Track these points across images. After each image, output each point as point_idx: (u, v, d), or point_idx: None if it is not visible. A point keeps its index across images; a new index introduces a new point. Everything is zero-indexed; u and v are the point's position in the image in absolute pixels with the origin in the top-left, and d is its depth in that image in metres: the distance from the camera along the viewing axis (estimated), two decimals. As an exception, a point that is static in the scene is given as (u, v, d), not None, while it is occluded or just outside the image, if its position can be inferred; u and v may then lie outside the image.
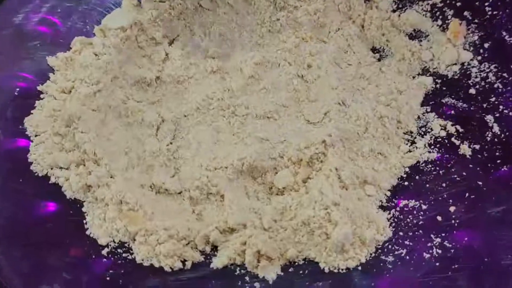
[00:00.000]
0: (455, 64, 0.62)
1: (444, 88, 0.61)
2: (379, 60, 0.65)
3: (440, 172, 0.56)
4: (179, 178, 0.57)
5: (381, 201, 0.55)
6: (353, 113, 0.58)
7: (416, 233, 0.52)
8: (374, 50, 0.66)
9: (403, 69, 0.63)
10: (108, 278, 0.50)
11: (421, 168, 0.56)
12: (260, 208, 0.55)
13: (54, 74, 0.62)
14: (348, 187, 0.54)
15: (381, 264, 0.50)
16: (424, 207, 0.53)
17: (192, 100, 0.61)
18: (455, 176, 0.55)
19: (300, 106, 0.60)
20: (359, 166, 0.56)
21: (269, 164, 0.56)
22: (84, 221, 0.54)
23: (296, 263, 0.52)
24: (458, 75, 0.62)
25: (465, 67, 0.62)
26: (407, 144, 0.58)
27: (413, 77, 0.63)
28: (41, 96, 0.60)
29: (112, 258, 0.51)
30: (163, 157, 0.58)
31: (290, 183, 0.56)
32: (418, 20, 0.65)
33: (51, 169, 0.56)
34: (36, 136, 0.57)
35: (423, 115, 0.60)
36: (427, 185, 0.55)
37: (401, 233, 0.52)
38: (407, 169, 0.57)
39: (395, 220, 0.53)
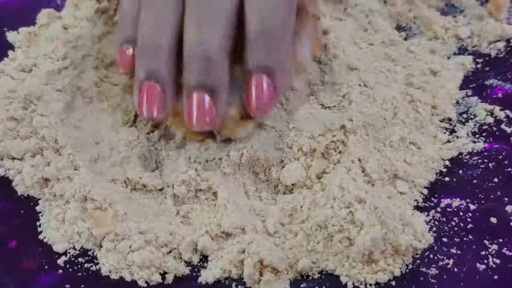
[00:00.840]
0: (499, 40, 0.52)
1: (487, 69, 0.51)
2: (405, 39, 0.54)
3: (490, 165, 0.44)
4: (160, 172, 0.45)
5: (416, 200, 0.43)
6: (378, 95, 0.47)
7: (465, 239, 0.40)
8: (399, 28, 0.55)
9: (436, 48, 0.53)
10: (62, 295, 0.38)
11: (464, 160, 0.45)
12: (264, 209, 0.43)
13: (13, 51, 0.52)
14: (374, 183, 0.43)
15: (421, 279, 0.39)
16: (472, 207, 0.42)
17: (180, 81, 0.50)
18: (510, 169, 0.44)
19: (312, 88, 0.49)
20: (387, 157, 0.45)
21: (274, 156, 0.45)
22: (38, 223, 0.42)
23: (310, 277, 0.40)
24: (504, 53, 0.52)
25: (511, 43, 0.52)
26: (445, 133, 0.47)
27: (448, 58, 0.52)
28: (-4, 76, 0.50)
29: (70, 270, 0.40)
30: (142, 147, 0.46)
31: (301, 178, 0.44)
32: (451, -7, 0.55)
33: (1, 159, 0.45)
34: (-15, 121, 0.47)
35: (463, 100, 0.49)
36: (474, 181, 0.44)
37: (445, 239, 0.41)
38: (447, 163, 0.46)
39: (436, 223, 0.42)
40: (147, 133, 0.47)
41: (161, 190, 0.44)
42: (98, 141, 0.47)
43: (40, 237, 0.41)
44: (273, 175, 0.45)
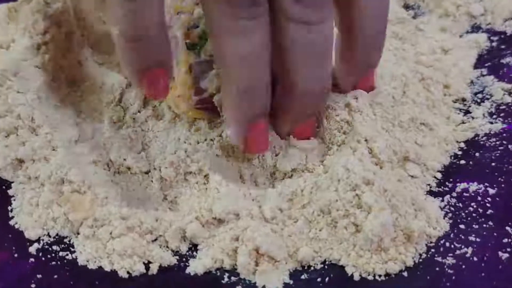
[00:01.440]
0: (515, 17, 0.48)
1: (503, 47, 0.47)
2: (413, 18, 0.50)
3: (509, 146, 0.41)
4: (147, 154, 0.41)
5: (429, 185, 0.40)
6: (385, 73, 0.43)
7: (485, 225, 0.36)
8: (406, 7, 0.51)
9: (447, 26, 0.49)
10: (33, 286, 0.34)
11: (481, 142, 0.41)
12: (260, 193, 0.39)
13: (-8, 28, 0.48)
14: (383, 165, 0.39)
15: (437, 269, 0.35)
16: (492, 191, 0.38)
17: (171, 60, 0.46)
18: (532, 150, 0.40)
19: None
20: (396, 138, 0.41)
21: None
22: (9, 208, 0.38)
23: (312, 267, 0.36)
24: (521, 30, 0.48)
25: (529, 20, 0.48)
26: (459, 113, 0.44)
27: (460, 36, 0.48)
28: (-30, 54, 0.46)
29: (43, 258, 0.36)
30: (127, 128, 0.42)
31: (302, 161, 0.40)
32: (462, -31, 0.51)
33: (-28, 139, 0.41)
34: (-42, 100, 0.43)
35: (478, 79, 0.46)
36: (493, 164, 0.40)
37: (462, 226, 0.37)
38: (462, 145, 0.42)
39: (452, 209, 0.38)
40: (133, 113, 0.43)
41: (147, 173, 0.40)
42: (80, 121, 0.43)
43: (11, 222, 0.37)
44: (268, 162, 0.40)
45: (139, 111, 0.43)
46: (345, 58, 0.40)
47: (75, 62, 0.46)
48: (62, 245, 0.36)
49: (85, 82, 0.45)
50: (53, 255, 0.36)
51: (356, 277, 0.34)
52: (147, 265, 0.35)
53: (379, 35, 0.39)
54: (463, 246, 0.35)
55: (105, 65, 0.47)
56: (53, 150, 0.40)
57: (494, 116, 0.42)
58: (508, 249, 0.34)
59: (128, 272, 0.35)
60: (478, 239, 0.35)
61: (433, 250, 0.35)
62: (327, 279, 0.35)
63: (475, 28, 0.49)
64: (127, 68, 0.36)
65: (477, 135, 0.42)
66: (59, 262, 0.35)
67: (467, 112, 0.43)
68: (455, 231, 0.36)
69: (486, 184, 0.38)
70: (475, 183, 0.39)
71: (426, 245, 0.36)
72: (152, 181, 0.40)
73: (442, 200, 0.38)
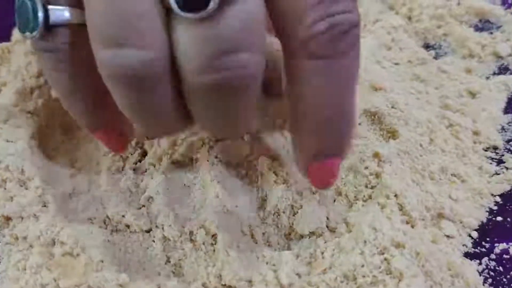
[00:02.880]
0: (547, 58, 0.45)
1: (535, 90, 0.43)
2: (435, 58, 0.47)
3: (551, 201, 0.36)
4: (148, 210, 0.37)
5: (465, 245, 0.35)
6: (410, 118, 0.40)
7: (531, 293, 0.32)
8: (427, 46, 0.48)
9: (473, 67, 0.45)
10: None
11: (520, 196, 0.37)
12: (275, 255, 0.35)
13: (-17, 70, 0.44)
14: (415, 224, 0.35)
15: None
16: (535, 253, 0.34)
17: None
18: None
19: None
20: (428, 192, 0.37)
21: (284, 197, 0.36)
22: (-7, 273, 0.34)
23: None
24: (553, 71, 0.44)
25: (561, 61, 0.45)
26: (491, 163, 0.40)
27: (487, 78, 0.45)
28: (-42, 99, 0.42)
29: (28, 333, 0.31)
30: (126, 181, 0.38)
31: (321, 223, 0.36)
32: (485, 7, 0.48)
33: (-46, 194, 0.37)
34: None
35: (510, 125, 0.42)
36: (535, 221, 0.36)
37: (505, 294, 0.32)
38: (497, 199, 0.37)
39: (492, 273, 0.34)
40: (134, 163, 0.39)
41: (148, 231, 0.36)
42: (75, 173, 0.39)
43: (-6, 290, 0.33)
44: (284, 222, 0.36)
45: (139, 161, 0.39)
46: (293, 129, 0.32)
47: (71, 107, 0.42)
48: (51, 317, 0.32)
49: (81, 130, 0.42)
50: (41, 329, 0.31)
51: None
52: None
53: (333, 121, 0.29)
54: (508, 318, 0.31)
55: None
56: (44, 206, 0.36)
57: (531, 166, 0.39)
58: (560, 322, 0.30)
59: None
60: (525, 310, 0.31)
61: (474, 322, 0.31)
62: None
63: (503, 69, 0.45)
64: None
65: (514, 187, 0.38)
66: (47, 338, 0.31)
67: (500, 161, 0.40)
68: (498, 300, 0.32)
69: (528, 244, 0.34)
70: (516, 244, 0.35)
71: (466, 316, 0.31)
72: (153, 241, 0.36)
73: (480, 263, 0.34)
